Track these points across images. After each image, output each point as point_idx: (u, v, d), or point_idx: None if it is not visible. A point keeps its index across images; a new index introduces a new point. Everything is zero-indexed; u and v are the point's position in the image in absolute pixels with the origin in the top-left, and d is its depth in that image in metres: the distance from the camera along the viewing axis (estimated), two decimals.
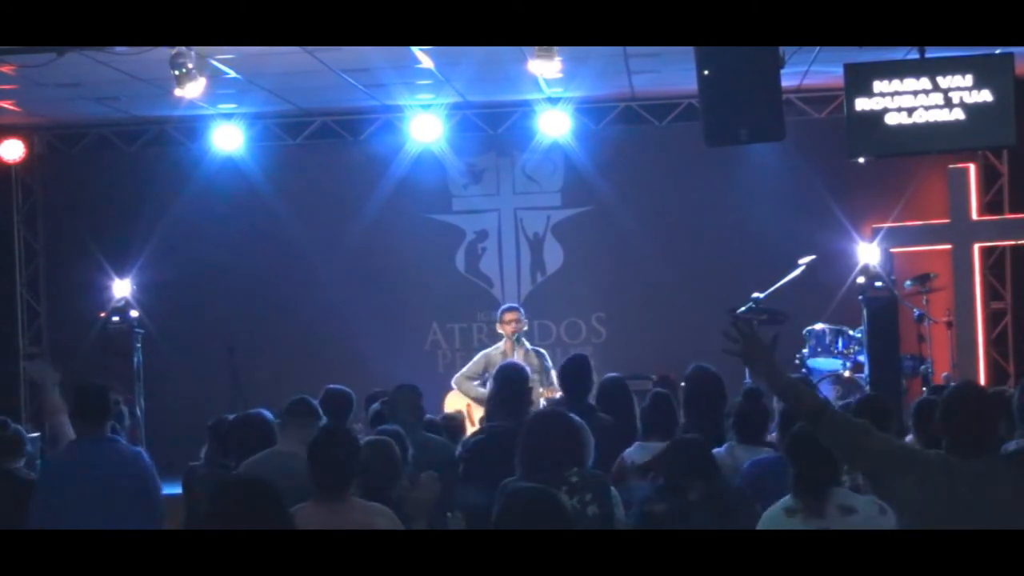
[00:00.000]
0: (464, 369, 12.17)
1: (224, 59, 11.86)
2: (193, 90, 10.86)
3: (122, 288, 15.04)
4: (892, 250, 14.66)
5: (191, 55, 10.60)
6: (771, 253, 14.12)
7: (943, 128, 10.03)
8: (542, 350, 12.15)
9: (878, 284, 13.22)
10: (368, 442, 6.51)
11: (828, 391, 12.80)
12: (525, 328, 12.17)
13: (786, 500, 5.63)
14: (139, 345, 14.06)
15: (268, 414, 7.73)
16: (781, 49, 9.40)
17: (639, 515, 6.06)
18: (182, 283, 15.13)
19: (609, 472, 7.00)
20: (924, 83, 10.02)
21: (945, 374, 13.81)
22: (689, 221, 15.06)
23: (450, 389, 12.24)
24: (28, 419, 14.55)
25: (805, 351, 13.51)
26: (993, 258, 14.95)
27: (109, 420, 7.19)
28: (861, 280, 13.52)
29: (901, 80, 10.04)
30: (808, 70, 13.26)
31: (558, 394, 9.98)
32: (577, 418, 6.36)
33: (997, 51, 10.28)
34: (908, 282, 14.25)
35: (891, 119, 10.05)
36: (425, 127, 14.93)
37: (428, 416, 9.44)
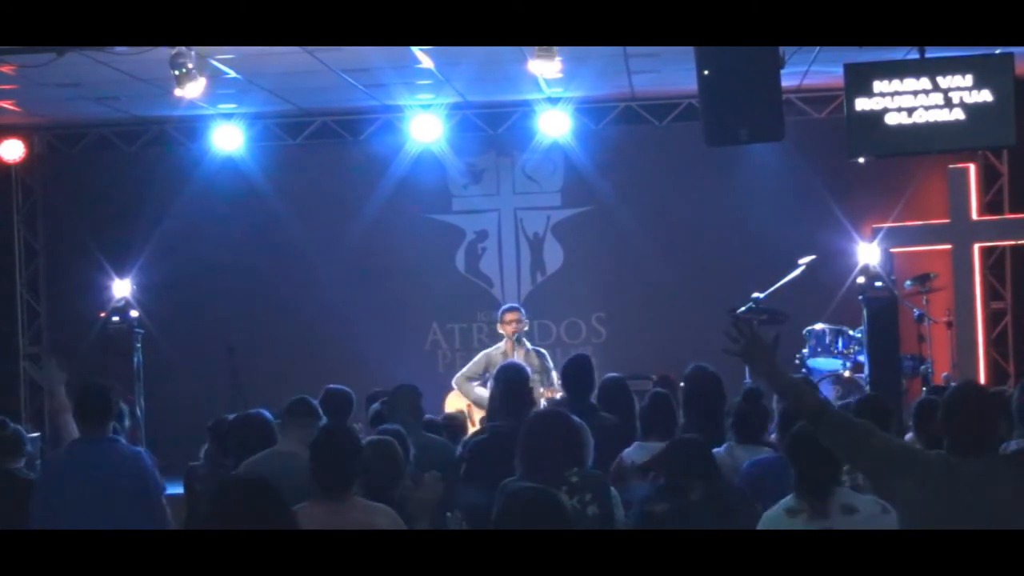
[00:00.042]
0: (464, 369, 12.17)
1: (224, 59, 11.86)
2: (193, 90, 10.86)
3: (122, 288, 15.04)
4: (892, 250, 14.67)
5: (191, 55, 10.60)
6: (771, 253, 14.12)
7: (943, 128, 10.03)
8: (543, 350, 12.15)
9: (878, 284, 13.21)
10: (370, 442, 6.50)
11: (828, 391, 12.79)
12: (526, 328, 12.16)
13: (787, 501, 5.62)
14: (139, 345, 14.05)
15: (268, 414, 7.73)
16: (781, 49, 9.40)
17: (639, 515, 6.06)
18: (182, 283, 15.14)
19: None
20: (924, 83, 10.02)
21: (945, 374, 13.81)
22: (689, 221, 15.06)
23: (450, 389, 12.24)
24: (28, 419, 14.57)
25: (805, 351, 13.51)
26: (993, 258, 14.95)
27: (111, 420, 7.19)
28: (861, 280, 13.51)
29: (901, 80, 10.04)
30: (808, 70, 13.26)
31: (559, 394, 9.98)
32: (577, 418, 6.36)
33: (997, 51, 10.27)
34: (908, 282, 14.25)
35: (891, 119, 10.06)
36: (425, 127, 14.93)
37: (428, 416, 9.44)
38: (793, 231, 14.36)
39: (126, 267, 15.13)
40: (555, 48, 10.58)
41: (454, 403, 12.07)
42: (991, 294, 14.94)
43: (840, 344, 13.44)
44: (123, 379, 13.17)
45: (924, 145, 10.40)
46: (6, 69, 11.51)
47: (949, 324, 14.41)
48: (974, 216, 14.72)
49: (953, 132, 10.06)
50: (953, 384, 6.71)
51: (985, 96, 9.98)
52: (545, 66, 10.88)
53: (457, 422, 10.60)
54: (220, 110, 14.71)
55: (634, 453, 7.38)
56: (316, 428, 6.78)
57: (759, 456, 7.04)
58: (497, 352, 11.89)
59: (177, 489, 8.78)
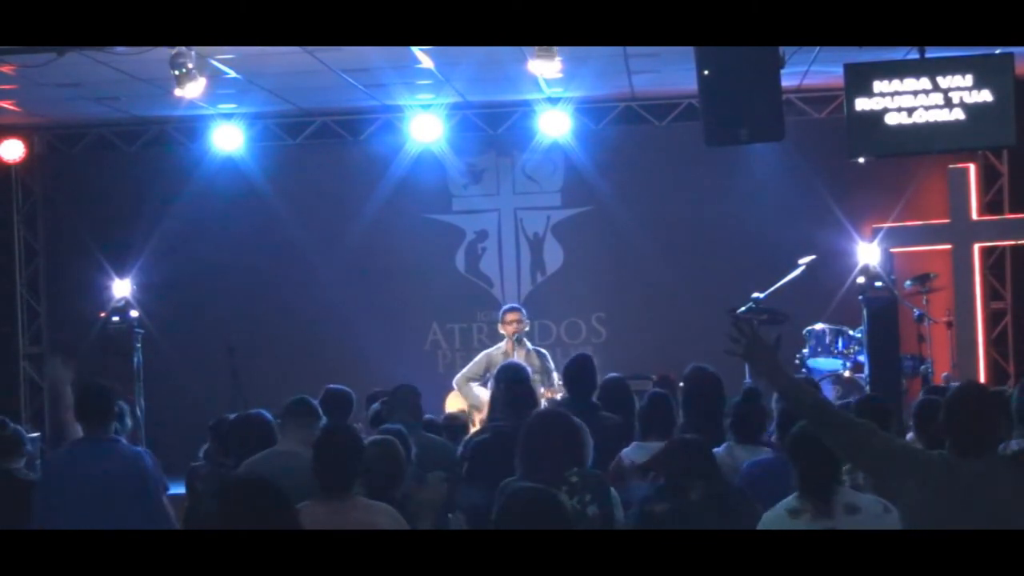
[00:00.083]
0: (465, 369, 12.15)
1: (224, 59, 11.86)
2: (193, 90, 10.86)
3: (122, 288, 15.04)
4: (892, 250, 14.66)
5: (191, 55, 10.60)
6: (771, 253, 14.11)
7: (943, 128, 10.03)
8: (543, 350, 12.15)
9: (878, 284, 13.21)
10: (373, 441, 6.51)
11: (828, 391, 12.78)
12: (527, 328, 12.16)
13: (789, 501, 5.60)
14: (139, 345, 14.06)
15: (268, 414, 7.74)
16: (781, 49, 9.40)
17: (639, 515, 6.05)
18: (182, 283, 15.14)
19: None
20: (924, 83, 10.02)
21: (945, 374, 13.80)
22: (689, 221, 15.06)
23: (450, 389, 12.23)
24: (28, 419, 14.57)
25: (805, 351, 13.51)
26: (993, 258, 14.95)
27: (111, 421, 7.18)
28: (861, 280, 13.51)
29: (901, 80, 10.04)
30: (808, 70, 13.26)
31: (559, 395, 9.98)
32: (576, 418, 6.36)
33: (997, 51, 10.27)
34: (908, 282, 14.25)
35: (891, 119, 10.05)
36: (425, 127, 14.93)
37: (428, 416, 9.44)
38: (793, 231, 14.36)
39: (126, 267, 15.13)
40: (555, 48, 10.58)
41: (454, 403, 12.06)
42: (991, 294, 14.94)
43: (840, 344, 13.44)
44: (123, 379, 13.16)
45: (924, 145, 10.40)
46: (6, 69, 11.51)
47: (949, 324, 14.41)
48: (974, 216, 14.72)
49: (953, 132, 10.05)
50: (953, 384, 6.71)
51: (985, 96, 9.98)
52: (545, 66, 10.88)
53: (458, 422, 10.60)
54: (220, 110, 14.71)
55: (633, 453, 7.37)
56: (316, 428, 6.79)
57: (759, 456, 7.04)
58: (498, 352, 11.88)
59: (178, 489, 8.78)
